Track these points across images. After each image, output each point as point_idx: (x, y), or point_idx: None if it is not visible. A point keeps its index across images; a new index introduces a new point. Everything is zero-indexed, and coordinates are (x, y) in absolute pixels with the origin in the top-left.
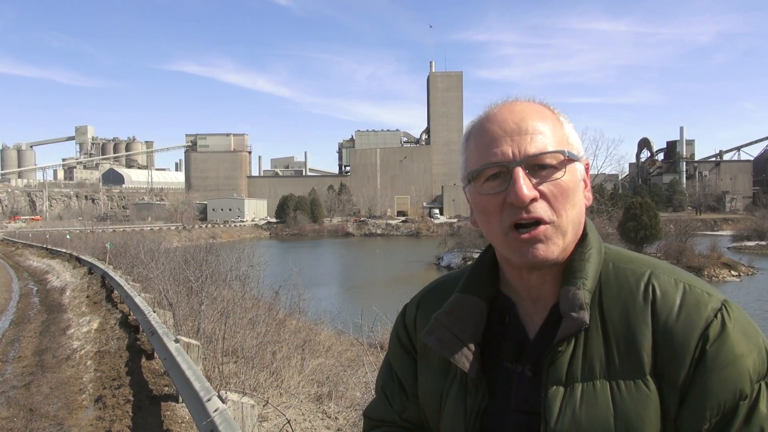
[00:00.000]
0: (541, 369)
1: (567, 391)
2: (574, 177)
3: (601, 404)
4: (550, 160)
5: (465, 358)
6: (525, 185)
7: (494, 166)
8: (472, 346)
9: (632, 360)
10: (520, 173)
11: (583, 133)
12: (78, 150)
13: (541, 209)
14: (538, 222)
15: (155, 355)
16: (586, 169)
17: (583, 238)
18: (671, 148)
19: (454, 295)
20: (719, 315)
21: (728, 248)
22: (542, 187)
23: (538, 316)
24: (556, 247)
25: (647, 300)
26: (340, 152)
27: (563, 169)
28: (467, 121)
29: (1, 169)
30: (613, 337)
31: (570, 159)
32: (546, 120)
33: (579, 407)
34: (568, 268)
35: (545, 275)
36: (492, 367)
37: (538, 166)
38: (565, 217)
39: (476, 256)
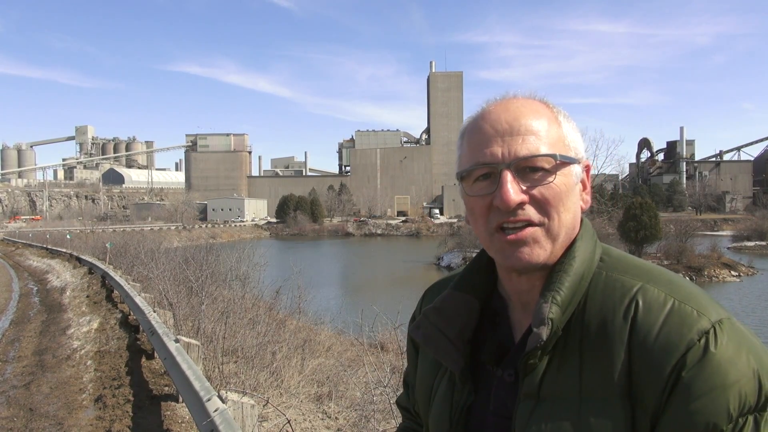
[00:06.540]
0: (518, 377)
1: (537, 406)
2: (568, 180)
3: (567, 424)
4: (542, 163)
5: (449, 355)
6: (512, 189)
7: (483, 166)
8: (457, 344)
9: (604, 381)
10: (508, 176)
11: (583, 133)
12: (78, 150)
13: (530, 212)
14: (527, 224)
15: (155, 354)
16: (587, 171)
17: (572, 244)
18: (671, 148)
19: (446, 292)
20: (704, 338)
21: (728, 248)
22: (532, 191)
23: (525, 321)
24: (543, 251)
25: (627, 317)
26: (340, 152)
27: (555, 173)
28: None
29: (2, 169)
30: (588, 355)
31: (564, 162)
32: (541, 119)
33: (545, 424)
34: (548, 277)
35: (534, 281)
36: (478, 367)
37: (530, 169)
38: (557, 220)
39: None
